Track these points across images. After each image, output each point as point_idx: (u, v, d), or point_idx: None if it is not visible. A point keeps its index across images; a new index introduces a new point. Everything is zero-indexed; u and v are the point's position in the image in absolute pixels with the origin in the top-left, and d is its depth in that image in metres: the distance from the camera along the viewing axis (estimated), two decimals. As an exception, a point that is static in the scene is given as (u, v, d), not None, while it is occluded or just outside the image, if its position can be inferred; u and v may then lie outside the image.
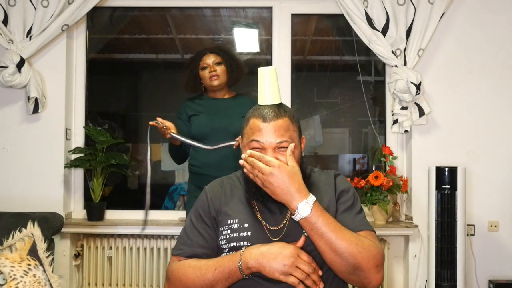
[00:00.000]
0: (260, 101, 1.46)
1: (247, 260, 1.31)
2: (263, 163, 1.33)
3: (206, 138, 2.56)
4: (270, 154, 1.38)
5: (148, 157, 2.37)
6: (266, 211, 1.44)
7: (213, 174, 1.97)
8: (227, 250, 1.42)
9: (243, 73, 2.80)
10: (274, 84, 1.45)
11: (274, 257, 1.29)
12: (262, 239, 1.39)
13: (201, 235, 1.45)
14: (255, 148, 1.41)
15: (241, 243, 1.39)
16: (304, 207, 1.29)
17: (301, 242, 1.34)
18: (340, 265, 1.29)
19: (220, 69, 2.68)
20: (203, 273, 1.36)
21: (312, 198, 1.32)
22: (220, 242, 1.43)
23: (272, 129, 1.40)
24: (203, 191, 1.54)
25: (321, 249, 1.30)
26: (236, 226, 1.42)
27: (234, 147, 2.37)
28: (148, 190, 2.28)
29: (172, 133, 2.43)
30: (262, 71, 1.45)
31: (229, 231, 1.42)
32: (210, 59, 2.68)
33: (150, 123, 2.40)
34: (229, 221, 1.43)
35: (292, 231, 1.39)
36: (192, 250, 1.44)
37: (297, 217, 1.31)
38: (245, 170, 1.38)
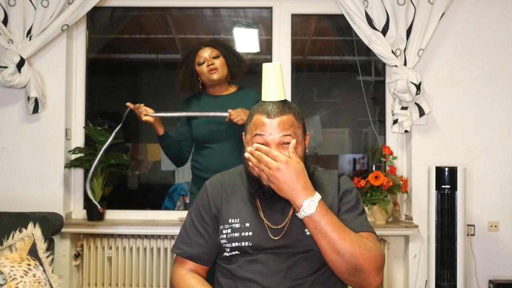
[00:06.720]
0: (265, 97, 1.44)
1: None
2: (270, 157, 1.31)
3: (209, 142, 2.51)
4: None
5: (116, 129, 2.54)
6: (268, 210, 1.43)
7: None
8: (229, 250, 1.41)
9: (244, 65, 2.64)
10: (279, 80, 1.43)
11: None
12: (263, 239, 1.39)
13: (201, 235, 1.45)
14: (259, 143, 1.38)
15: (243, 243, 1.39)
16: (309, 204, 1.28)
17: None
18: (341, 265, 1.29)
19: (218, 62, 2.52)
20: None
21: (317, 196, 1.31)
22: (221, 241, 1.43)
23: (276, 124, 1.38)
24: (203, 187, 1.53)
25: (322, 249, 1.30)
26: (237, 225, 1.41)
27: (226, 120, 2.37)
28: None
29: (149, 114, 2.42)
30: (267, 66, 1.43)
31: (229, 231, 1.41)
32: (206, 53, 2.52)
33: (127, 104, 2.47)
34: (230, 220, 1.43)
35: (293, 231, 1.38)
36: (192, 251, 1.45)
37: (301, 214, 1.30)
38: (249, 163, 1.36)
